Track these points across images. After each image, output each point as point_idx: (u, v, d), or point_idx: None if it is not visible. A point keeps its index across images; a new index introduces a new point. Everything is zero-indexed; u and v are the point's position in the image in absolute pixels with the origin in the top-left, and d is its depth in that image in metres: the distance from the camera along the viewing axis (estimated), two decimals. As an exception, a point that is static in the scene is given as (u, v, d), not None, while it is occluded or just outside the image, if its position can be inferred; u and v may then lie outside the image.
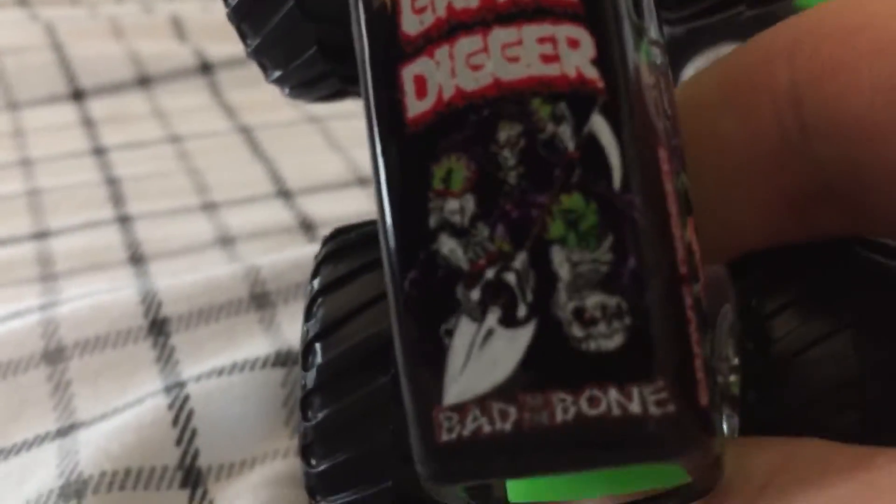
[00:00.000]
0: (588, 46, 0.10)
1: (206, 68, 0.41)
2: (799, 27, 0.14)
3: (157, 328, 0.24)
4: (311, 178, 0.33)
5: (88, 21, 0.44)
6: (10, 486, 0.20)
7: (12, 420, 0.22)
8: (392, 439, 0.16)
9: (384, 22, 0.11)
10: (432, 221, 0.11)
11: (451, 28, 0.11)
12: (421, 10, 0.11)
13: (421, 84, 0.11)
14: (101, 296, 0.25)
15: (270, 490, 0.20)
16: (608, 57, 0.10)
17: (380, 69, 0.11)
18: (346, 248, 0.18)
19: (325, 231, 0.30)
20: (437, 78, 0.11)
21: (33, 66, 0.39)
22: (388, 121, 0.11)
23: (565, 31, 0.11)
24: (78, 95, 0.39)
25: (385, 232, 0.11)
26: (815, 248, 0.16)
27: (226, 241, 0.29)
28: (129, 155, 0.35)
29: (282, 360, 0.23)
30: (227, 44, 0.42)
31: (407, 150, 0.11)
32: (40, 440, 0.21)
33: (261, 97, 0.40)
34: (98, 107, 0.38)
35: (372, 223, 0.19)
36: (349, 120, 0.38)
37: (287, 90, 0.18)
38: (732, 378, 0.18)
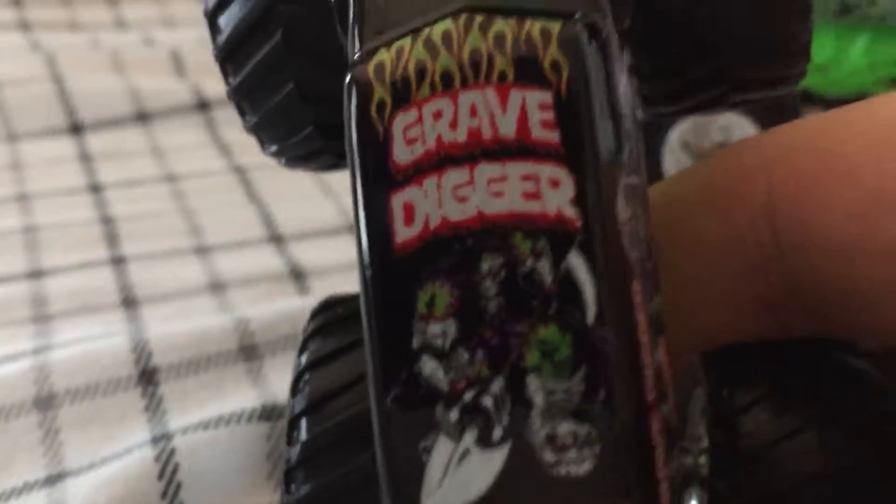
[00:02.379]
0: (568, 186, 0.11)
1: (203, 105, 0.41)
2: (778, 142, 0.15)
3: (147, 377, 0.24)
4: (303, 224, 0.34)
5: (89, 52, 0.44)
6: (-3, 535, 0.20)
7: (3, 467, 0.22)
8: None
9: (377, 149, 0.12)
10: (415, 343, 0.11)
11: (440, 160, 0.12)
12: (412, 141, 0.12)
13: (409, 211, 0.12)
14: (93, 342, 0.26)
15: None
16: (586, 198, 0.11)
17: (371, 195, 0.12)
18: (335, 323, 0.19)
19: (314, 280, 0.30)
20: (425, 207, 0.12)
21: (33, 97, 0.40)
22: (377, 244, 0.12)
23: (547, 170, 0.11)
24: (76, 129, 0.39)
25: (371, 350, 0.12)
26: (786, 345, 0.17)
27: (217, 287, 0.30)
28: (124, 193, 0.35)
29: (267, 413, 0.23)
30: (225, 81, 0.43)
31: (393, 273, 0.12)
32: (29, 488, 0.22)
33: (256, 136, 0.40)
34: (96, 141, 0.39)
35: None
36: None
37: (283, 161, 0.19)
38: (702, 459, 0.18)
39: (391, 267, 0.12)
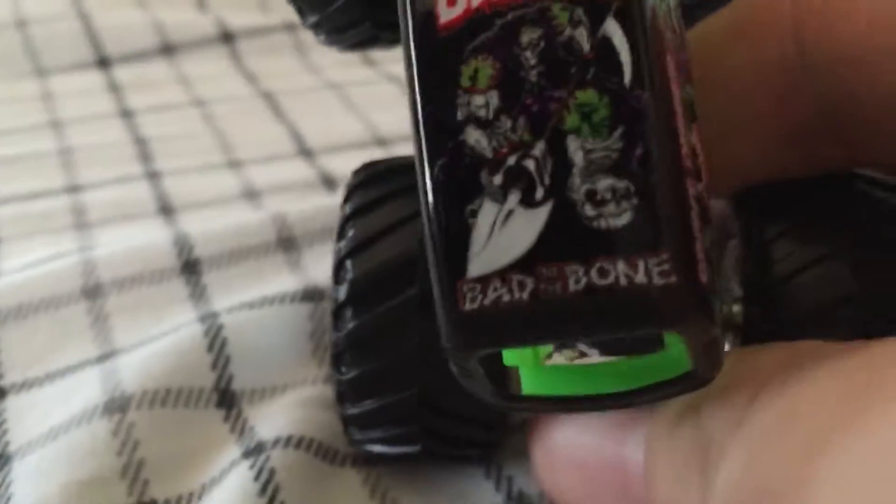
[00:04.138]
0: None
1: (227, 37, 0.42)
2: None
3: (190, 268, 0.26)
4: (332, 139, 0.35)
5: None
6: (56, 403, 0.22)
7: (55, 350, 0.24)
8: (418, 349, 0.18)
9: None
10: (460, 115, 0.12)
11: None
12: None
13: None
14: (135, 240, 0.27)
15: (302, 410, 0.21)
16: None
17: None
18: (376, 176, 0.20)
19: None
20: None
21: (60, 34, 0.41)
22: (422, 28, 0.13)
23: None
24: (103, 63, 0.40)
25: (417, 125, 0.13)
26: (815, 181, 0.17)
27: (251, 194, 0.31)
28: (155, 117, 0.36)
29: (309, 295, 0.24)
30: (248, 13, 0.44)
31: (438, 52, 0.12)
32: (83, 365, 0.23)
33: (281, 66, 0.41)
34: (123, 73, 0.40)
35: (399, 158, 0.21)
36: (368, 86, 0.39)
37: (322, 36, 0.20)
38: (736, 308, 0.19)
39: (435, 46, 0.12)
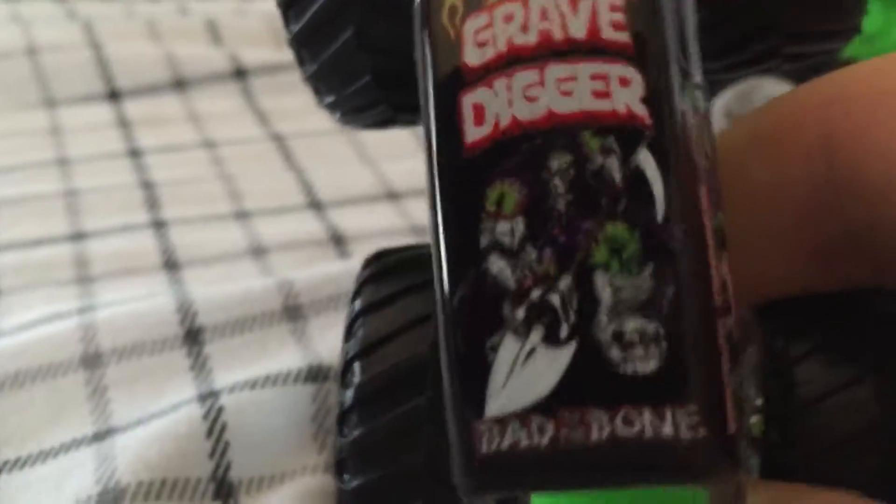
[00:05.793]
0: (638, 85, 0.12)
1: (240, 73, 0.42)
2: (833, 85, 0.16)
3: (192, 337, 0.25)
4: (342, 191, 0.35)
5: (125, 21, 0.46)
6: (47, 488, 0.21)
7: (50, 422, 0.23)
8: (425, 460, 0.17)
9: (448, 51, 0.13)
10: (483, 241, 0.12)
11: (509, 61, 0.12)
12: (483, 44, 0.12)
13: (479, 112, 0.12)
14: (138, 303, 0.27)
15: (300, 504, 0.21)
16: (657, 96, 0.12)
17: (441, 96, 0.12)
18: (387, 271, 0.19)
19: (355, 245, 0.31)
20: (495, 107, 0.12)
21: (71, 64, 0.41)
22: (447, 145, 0.12)
23: (617, 70, 0.12)
24: (114, 95, 0.41)
25: (437, 250, 0.12)
26: (840, 297, 0.17)
27: (258, 251, 0.31)
28: (163, 158, 0.36)
29: (313, 374, 0.24)
30: (261, 49, 0.44)
31: (463, 173, 0.12)
32: (77, 444, 0.23)
33: (293, 104, 0.41)
34: (134, 108, 0.40)
35: (412, 248, 0.21)
36: (381, 133, 0.39)
37: (338, 115, 0.20)
38: (754, 419, 0.19)
39: (460, 166, 0.12)
